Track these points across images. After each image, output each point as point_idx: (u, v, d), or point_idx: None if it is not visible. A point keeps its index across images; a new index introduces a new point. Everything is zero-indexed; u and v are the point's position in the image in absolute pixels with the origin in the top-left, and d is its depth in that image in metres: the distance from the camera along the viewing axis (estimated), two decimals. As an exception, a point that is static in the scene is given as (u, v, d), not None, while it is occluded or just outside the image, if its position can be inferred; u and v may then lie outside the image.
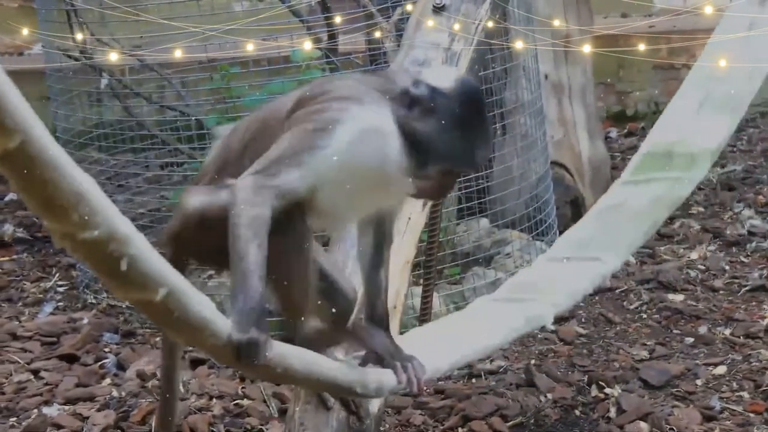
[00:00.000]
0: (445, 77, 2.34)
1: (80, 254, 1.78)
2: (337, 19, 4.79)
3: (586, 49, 3.33)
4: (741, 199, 6.53)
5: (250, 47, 3.36)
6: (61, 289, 5.47)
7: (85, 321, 4.88)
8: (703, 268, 5.48)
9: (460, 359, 2.84)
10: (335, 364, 2.43)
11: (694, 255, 5.64)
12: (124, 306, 5.15)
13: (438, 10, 3.49)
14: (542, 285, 3.18)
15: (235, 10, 5.34)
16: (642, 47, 3.44)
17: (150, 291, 1.85)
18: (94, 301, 5.24)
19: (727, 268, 5.47)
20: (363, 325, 2.56)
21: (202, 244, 2.38)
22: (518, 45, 4.24)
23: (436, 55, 3.45)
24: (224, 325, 2.07)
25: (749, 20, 3.64)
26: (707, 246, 5.78)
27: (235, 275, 2.20)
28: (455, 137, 2.27)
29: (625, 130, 8.57)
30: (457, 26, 3.43)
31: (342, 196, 2.34)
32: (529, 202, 5.48)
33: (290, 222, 2.29)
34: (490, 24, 3.57)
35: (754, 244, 5.75)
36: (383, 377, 2.47)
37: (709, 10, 3.48)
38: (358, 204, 2.42)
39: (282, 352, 2.26)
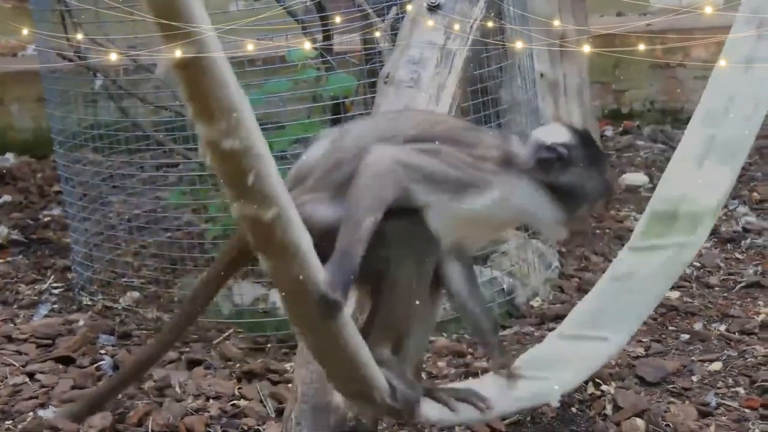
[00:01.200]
0: (558, 132, 2.70)
1: (217, 162, 1.99)
2: (336, 19, 4.79)
3: (586, 49, 3.34)
4: (736, 196, 6.54)
5: (250, 47, 3.36)
6: (56, 291, 5.47)
7: (81, 323, 4.88)
8: (698, 264, 5.49)
9: (458, 418, 2.99)
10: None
11: (689, 252, 5.65)
12: (120, 307, 5.15)
13: (433, 9, 3.49)
14: (551, 364, 3.34)
15: (230, 10, 5.32)
16: (641, 47, 3.45)
17: (264, 208, 2.05)
18: (89, 302, 5.24)
19: (722, 264, 5.48)
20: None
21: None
22: (515, 45, 4.24)
23: (431, 55, 3.45)
24: (314, 258, 2.19)
25: (746, 55, 3.66)
26: (702, 243, 5.78)
27: (344, 237, 2.38)
28: (591, 178, 2.68)
29: (621, 129, 8.58)
30: (456, 26, 3.43)
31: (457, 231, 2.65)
32: (525, 200, 5.47)
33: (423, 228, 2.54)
34: (486, 23, 3.57)
35: (749, 240, 5.76)
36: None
37: (709, 10, 3.49)
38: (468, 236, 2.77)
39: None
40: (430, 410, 2.81)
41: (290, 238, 2.12)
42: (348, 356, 2.40)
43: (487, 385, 3.07)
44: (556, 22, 5.79)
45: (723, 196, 3.61)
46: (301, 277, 2.20)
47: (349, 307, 2.37)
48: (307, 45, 4.91)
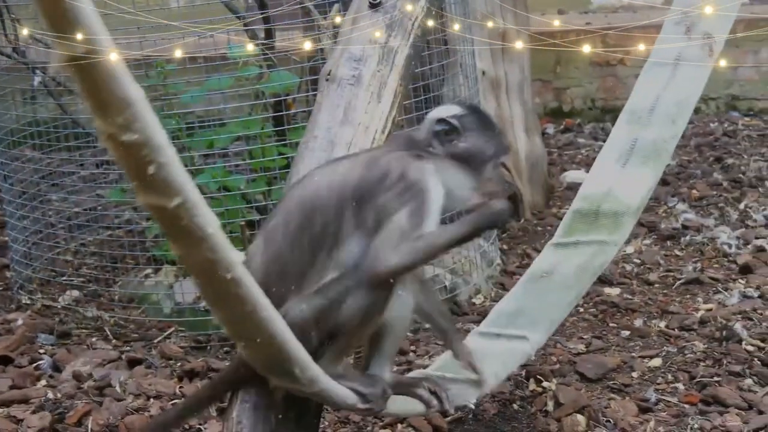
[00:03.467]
0: (448, 109, 2.99)
1: (118, 154, 2.05)
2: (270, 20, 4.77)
3: (518, 45, 3.38)
4: (675, 193, 6.61)
5: (186, 43, 3.35)
6: (-6, 290, 5.41)
7: (20, 322, 4.82)
8: (638, 261, 5.54)
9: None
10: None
11: (629, 249, 5.70)
12: (59, 306, 5.10)
13: (374, 6, 3.49)
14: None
15: (170, 6, 5.29)
16: (586, 48, 3.48)
17: (167, 197, 2.10)
18: (28, 301, 5.18)
19: (661, 261, 5.54)
20: None
21: None
22: (456, 44, 4.25)
23: (373, 52, 3.45)
24: (222, 240, 2.24)
25: (676, 52, 3.71)
26: (642, 240, 5.84)
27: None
28: (486, 140, 2.94)
29: (562, 127, 8.64)
30: (392, 23, 3.43)
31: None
32: (467, 198, 5.48)
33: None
34: (427, 21, 3.57)
35: (688, 237, 5.82)
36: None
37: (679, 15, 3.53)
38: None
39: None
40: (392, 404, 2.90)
41: (197, 224, 2.17)
42: (261, 326, 2.46)
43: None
44: (496, 21, 5.82)
45: (645, 195, 3.65)
46: (211, 259, 2.25)
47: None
48: (248, 42, 4.89)
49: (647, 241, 5.83)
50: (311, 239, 2.75)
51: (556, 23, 5.10)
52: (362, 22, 3.49)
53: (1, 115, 5.44)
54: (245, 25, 5.16)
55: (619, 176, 3.65)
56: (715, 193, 6.58)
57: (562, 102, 9.00)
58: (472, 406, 3.99)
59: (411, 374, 3.46)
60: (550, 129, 8.53)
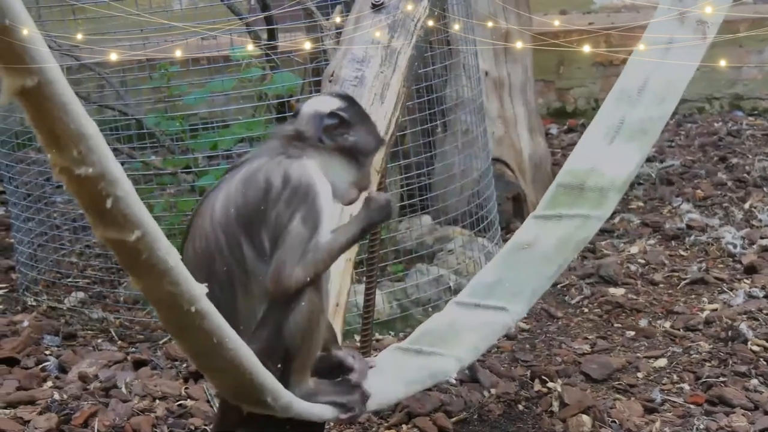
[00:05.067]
0: (326, 101, 2.87)
1: (73, 188, 1.98)
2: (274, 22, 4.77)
3: (518, 45, 3.36)
4: (680, 193, 6.61)
5: (188, 46, 3.35)
6: (0, 292, 5.41)
7: (26, 324, 4.83)
8: (643, 262, 5.54)
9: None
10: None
11: (634, 249, 5.70)
12: (65, 308, 5.10)
13: (377, 7, 3.49)
14: (449, 337, 3.30)
15: (174, 8, 5.29)
16: (587, 48, 3.48)
17: (127, 231, 2.05)
18: (34, 303, 5.19)
19: (666, 261, 5.53)
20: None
21: None
22: (458, 44, 4.25)
23: (375, 53, 3.45)
24: (184, 272, 2.20)
25: (668, 38, 3.70)
26: (647, 240, 5.84)
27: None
28: (369, 132, 2.87)
29: (566, 127, 8.64)
30: (394, 24, 3.43)
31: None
32: (471, 198, 5.50)
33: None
34: (430, 22, 3.58)
35: (692, 237, 5.82)
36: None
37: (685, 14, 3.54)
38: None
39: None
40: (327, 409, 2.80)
41: (157, 257, 2.12)
42: (229, 358, 2.41)
43: (382, 369, 3.04)
44: (499, 22, 5.82)
45: (631, 173, 3.61)
46: (173, 292, 2.21)
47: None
48: (250, 44, 4.89)
49: (652, 241, 5.83)
50: (222, 285, 2.65)
51: (557, 23, 5.10)
52: (365, 23, 3.49)
53: (5, 117, 5.45)
54: (248, 26, 5.17)
55: (606, 153, 3.63)
56: (719, 192, 6.58)
57: (565, 102, 9.00)
58: (454, 381, 3.99)
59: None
60: (554, 129, 8.53)
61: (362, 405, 2.86)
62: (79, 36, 1.77)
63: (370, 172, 2.92)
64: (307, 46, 3.77)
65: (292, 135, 2.80)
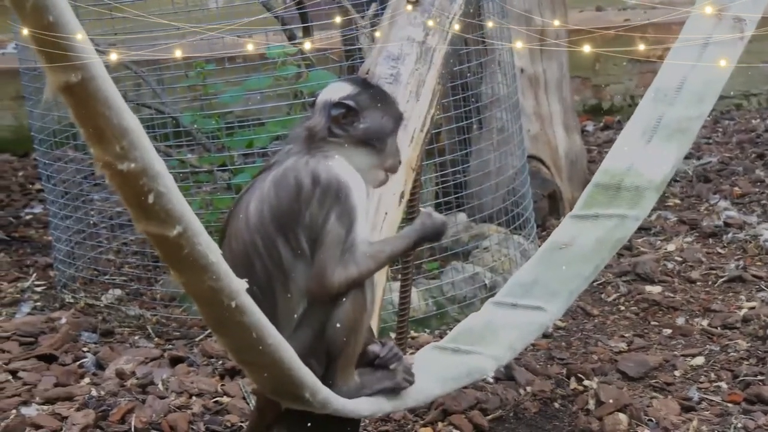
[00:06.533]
0: (339, 88, 2.81)
1: (115, 183, 2.02)
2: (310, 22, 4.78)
3: (581, 48, 3.34)
4: (717, 190, 6.57)
5: (250, 45, 3.36)
6: (38, 289, 5.46)
7: (63, 320, 4.86)
8: (680, 259, 5.51)
9: (397, 405, 2.97)
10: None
11: (671, 247, 5.67)
12: (102, 305, 5.14)
13: (413, 5, 3.49)
14: (486, 336, 3.30)
15: (209, 7, 5.32)
16: (643, 46, 3.47)
17: (168, 226, 2.08)
18: (72, 300, 5.23)
19: (703, 259, 5.50)
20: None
21: None
22: (494, 43, 4.24)
23: (411, 51, 3.45)
24: (224, 267, 2.21)
25: (706, 32, 3.68)
26: (684, 238, 5.81)
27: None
28: (384, 113, 2.80)
29: (602, 124, 8.60)
30: (431, 22, 3.43)
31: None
32: (507, 196, 5.49)
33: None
34: (465, 19, 3.57)
35: (730, 235, 5.78)
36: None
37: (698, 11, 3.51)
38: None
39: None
40: (364, 405, 2.82)
41: (198, 252, 2.14)
42: (268, 353, 2.42)
43: (420, 367, 3.03)
44: (535, 19, 5.81)
45: (669, 172, 3.59)
46: (214, 287, 2.22)
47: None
48: (286, 42, 4.91)
49: (689, 239, 5.80)
50: (261, 286, 2.64)
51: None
52: (400, 20, 3.49)
53: (43, 116, 5.48)
54: (283, 24, 5.18)
55: (643, 152, 3.61)
56: (757, 190, 6.53)
57: (601, 99, 8.95)
58: (491, 380, 3.98)
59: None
60: (590, 126, 8.49)
61: (410, 376, 2.88)
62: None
63: (396, 150, 2.86)
64: (341, 44, 3.77)
65: (308, 133, 2.77)
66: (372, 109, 2.78)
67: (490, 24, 4.90)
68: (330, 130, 2.74)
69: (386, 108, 2.82)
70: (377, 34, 3.57)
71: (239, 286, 2.27)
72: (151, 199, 2.02)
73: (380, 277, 3.34)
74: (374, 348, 2.89)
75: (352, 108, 2.75)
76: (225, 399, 4.10)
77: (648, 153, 3.60)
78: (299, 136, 2.80)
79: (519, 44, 4.92)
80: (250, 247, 2.67)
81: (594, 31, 3.64)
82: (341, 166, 2.71)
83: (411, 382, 2.88)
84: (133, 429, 3.86)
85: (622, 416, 3.87)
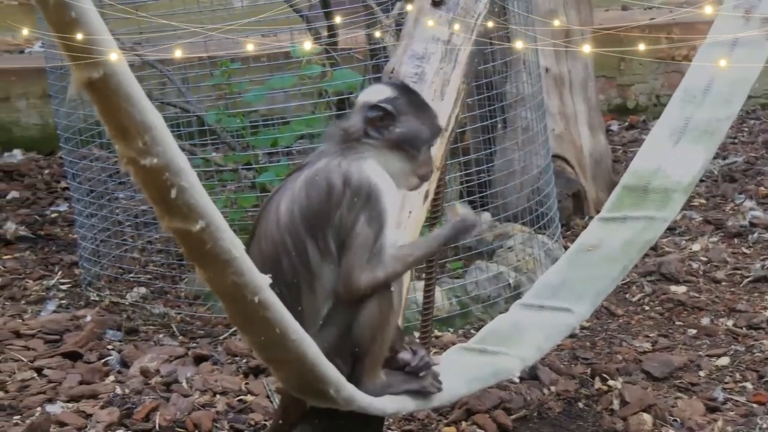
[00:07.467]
0: (379, 91, 2.83)
1: (139, 179, 2.04)
2: (337, 18, 4.79)
3: (586, 48, 3.34)
4: (742, 190, 6.53)
5: (250, 45, 3.37)
6: (63, 287, 5.48)
7: (88, 318, 4.88)
8: (705, 259, 5.49)
9: (421, 405, 2.96)
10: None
11: (696, 247, 5.64)
12: (127, 303, 5.16)
13: (437, 4, 3.48)
14: (513, 336, 3.31)
15: (234, 6, 5.33)
16: (642, 46, 3.46)
17: (191, 221, 2.09)
18: (96, 298, 5.25)
19: (729, 259, 5.47)
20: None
21: None
22: (518, 44, 4.22)
23: (436, 50, 3.44)
24: (248, 262, 2.22)
25: (732, 37, 3.67)
26: (709, 237, 5.78)
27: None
28: (420, 121, 2.79)
29: (627, 123, 8.57)
30: (456, 26, 3.43)
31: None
32: (531, 195, 5.48)
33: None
34: (489, 21, 3.56)
35: (755, 235, 5.75)
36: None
37: (708, 10, 3.49)
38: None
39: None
40: (388, 403, 2.82)
41: (222, 247, 2.15)
42: (292, 349, 2.43)
43: (446, 367, 3.03)
44: (560, 20, 5.79)
45: (696, 174, 3.59)
46: (237, 282, 2.23)
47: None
48: (310, 41, 4.91)
49: (714, 239, 5.77)
50: (288, 285, 2.65)
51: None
52: (425, 19, 3.49)
53: (68, 114, 5.51)
54: (308, 23, 5.19)
55: (671, 154, 3.61)
56: (783, 190, 6.50)
57: (626, 99, 8.92)
58: (515, 379, 3.98)
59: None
60: (615, 126, 8.46)
61: (438, 383, 2.88)
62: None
63: (430, 159, 2.86)
64: (367, 43, 3.77)
65: (343, 133, 2.77)
66: (409, 115, 2.78)
67: (517, 26, 4.90)
68: (365, 132, 2.75)
69: (424, 117, 2.82)
70: (402, 33, 3.57)
71: (263, 281, 2.27)
72: (173, 194, 2.04)
73: (405, 276, 3.34)
74: (405, 356, 2.89)
75: (389, 112, 2.75)
76: (249, 397, 4.11)
77: (676, 154, 3.60)
78: (334, 135, 2.80)
79: (538, 45, 4.91)
80: (279, 247, 2.68)
81: (599, 31, 3.63)
82: (373, 168, 2.72)
83: (439, 389, 2.89)
84: (157, 427, 3.88)
85: (647, 416, 3.86)
